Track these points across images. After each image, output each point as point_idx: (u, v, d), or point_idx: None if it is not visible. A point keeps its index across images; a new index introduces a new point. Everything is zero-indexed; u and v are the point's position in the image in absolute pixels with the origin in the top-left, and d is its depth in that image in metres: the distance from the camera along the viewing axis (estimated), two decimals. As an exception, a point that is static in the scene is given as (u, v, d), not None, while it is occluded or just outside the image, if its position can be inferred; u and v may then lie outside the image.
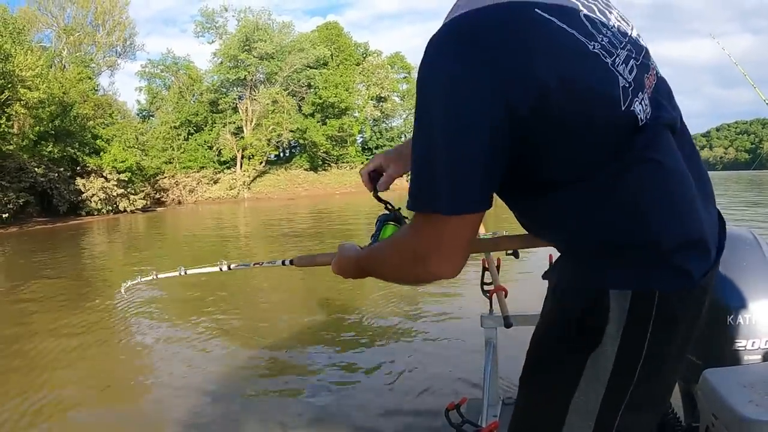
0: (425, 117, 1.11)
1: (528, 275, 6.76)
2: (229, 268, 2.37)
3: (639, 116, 1.16)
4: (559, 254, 1.35)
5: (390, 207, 1.79)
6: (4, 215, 27.74)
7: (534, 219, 1.39)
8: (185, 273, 2.46)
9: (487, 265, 2.92)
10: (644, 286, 1.18)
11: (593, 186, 1.17)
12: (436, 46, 1.11)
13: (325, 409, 4.50)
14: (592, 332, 1.20)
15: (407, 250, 1.25)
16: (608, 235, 1.19)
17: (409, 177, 1.19)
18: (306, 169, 58.39)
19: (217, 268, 2.39)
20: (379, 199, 1.81)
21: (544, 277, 1.42)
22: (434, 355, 5.52)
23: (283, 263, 2.10)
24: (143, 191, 40.83)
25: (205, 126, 54.75)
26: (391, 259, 1.35)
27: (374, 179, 1.83)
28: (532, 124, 1.08)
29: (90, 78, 44.77)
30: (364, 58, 67.51)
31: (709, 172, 1.40)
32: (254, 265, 2.42)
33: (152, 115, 56.13)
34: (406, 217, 1.70)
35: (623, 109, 1.14)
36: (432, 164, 1.10)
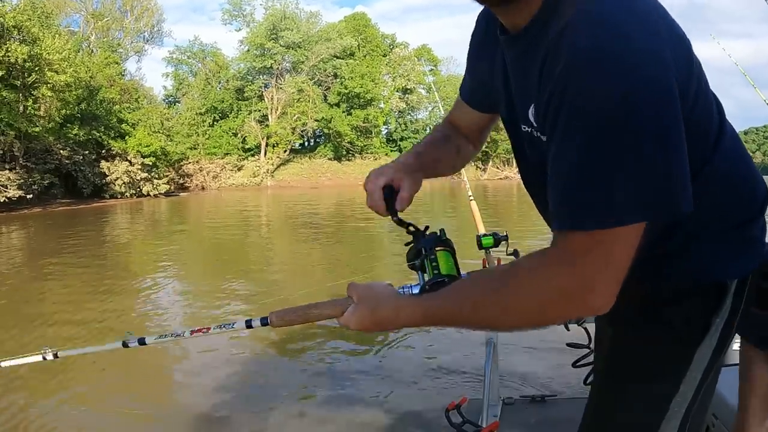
0: (629, 110, 0.91)
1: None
2: (142, 343, 1.55)
3: (715, 102, 1.19)
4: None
5: (416, 228, 1.43)
6: (28, 196, 28.12)
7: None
8: (54, 357, 1.64)
9: (487, 266, 2.84)
10: (748, 269, 1.22)
11: (706, 177, 1.14)
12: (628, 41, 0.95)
13: (323, 409, 4.43)
14: (702, 326, 1.21)
15: (561, 285, 1.00)
16: (725, 220, 1.21)
17: (562, 189, 1.00)
18: (330, 159, 58.51)
19: (118, 344, 1.57)
20: (401, 222, 1.43)
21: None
22: (435, 355, 5.43)
23: (249, 325, 1.38)
24: (167, 176, 41.18)
25: (231, 113, 55.03)
26: (522, 303, 1.05)
27: (388, 198, 1.43)
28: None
29: (117, 63, 45.30)
30: (391, 49, 67.31)
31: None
32: (193, 333, 1.47)
33: (178, 101, 56.59)
34: (446, 237, 1.38)
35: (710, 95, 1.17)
36: (638, 162, 0.92)
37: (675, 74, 0.95)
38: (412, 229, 1.43)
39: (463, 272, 1.32)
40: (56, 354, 1.65)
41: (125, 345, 1.55)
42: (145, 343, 1.55)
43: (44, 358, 1.64)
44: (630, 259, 0.99)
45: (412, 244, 1.42)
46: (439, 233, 1.39)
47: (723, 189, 1.19)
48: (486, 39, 1.32)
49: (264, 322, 1.35)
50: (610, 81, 0.90)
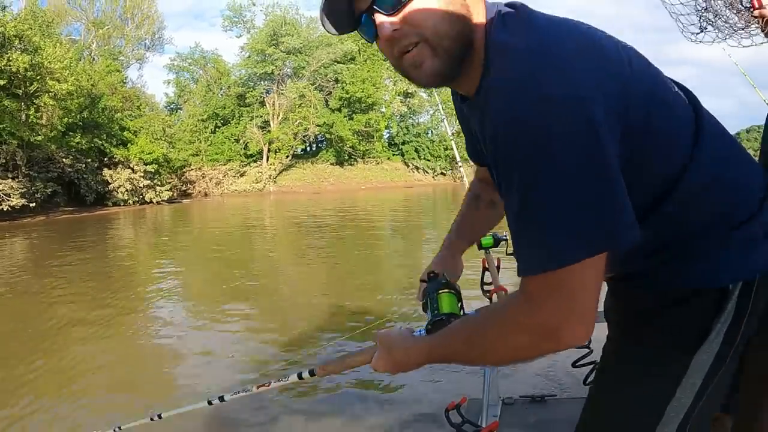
0: (545, 163, 0.98)
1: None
2: (222, 400, 1.80)
3: (686, 97, 1.21)
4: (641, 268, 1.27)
5: (434, 273, 1.61)
6: (31, 204, 28.13)
7: (639, 248, 1.15)
8: (158, 418, 1.97)
9: (487, 265, 2.84)
10: (750, 272, 1.18)
11: (689, 183, 1.16)
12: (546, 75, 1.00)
13: (323, 408, 4.43)
14: (700, 332, 1.19)
15: (531, 327, 1.07)
16: (720, 223, 1.19)
17: (514, 241, 1.08)
18: (332, 164, 58.43)
19: (203, 403, 1.84)
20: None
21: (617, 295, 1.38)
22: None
23: (300, 376, 1.62)
24: (170, 183, 41.20)
25: (232, 119, 55.07)
26: (502, 342, 1.14)
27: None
28: (636, 139, 1.07)
29: (118, 71, 45.34)
30: (392, 53, 67.16)
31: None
32: (258, 388, 1.75)
33: (180, 108, 56.64)
34: (447, 281, 1.54)
35: (675, 90, 1.20)
36: (564, 207, 0.99)
37: (603, 106, 0.99)
38: (432, 274, 1.60)
39: (470, 310, 1.44)
40: (160, 415, 1.97)
41: (210, 402, 1.81)
42: (224, 400, 1.79)
43: (152, 419, 1.97)
44: (596, 288, 1.03)
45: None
46: (445, 279, 1.55)
47: (712, 192, 1.18)
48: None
49: (312, 373, 1.57)
50: (526, 140, 0.98)
